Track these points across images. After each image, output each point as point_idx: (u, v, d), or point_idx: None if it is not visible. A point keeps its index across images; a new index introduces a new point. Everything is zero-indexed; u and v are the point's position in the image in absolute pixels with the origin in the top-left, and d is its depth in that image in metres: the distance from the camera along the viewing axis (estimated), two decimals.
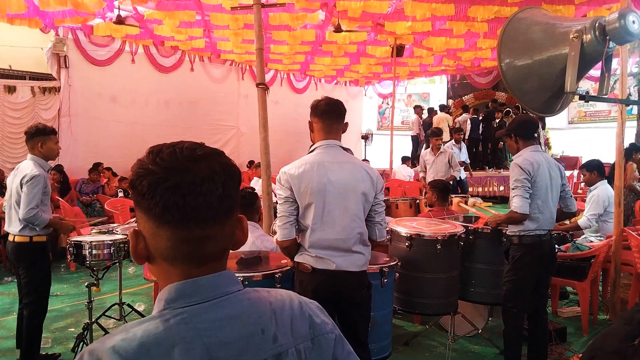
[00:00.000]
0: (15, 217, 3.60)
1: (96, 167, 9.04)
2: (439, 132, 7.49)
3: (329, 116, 2.61)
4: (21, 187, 3.51)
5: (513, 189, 3.29)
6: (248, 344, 0.86)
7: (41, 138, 3.64)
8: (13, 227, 3.61)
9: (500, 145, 13.42)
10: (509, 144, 3.56)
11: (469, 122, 13.54)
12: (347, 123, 2.70)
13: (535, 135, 3.48)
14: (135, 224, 0.92)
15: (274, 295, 0.95)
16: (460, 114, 14.20)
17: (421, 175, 7.49)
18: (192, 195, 0.83)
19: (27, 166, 3.59)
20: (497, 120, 13.21)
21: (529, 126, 3.52)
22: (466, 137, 13.72)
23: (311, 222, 2.51)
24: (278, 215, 2.60)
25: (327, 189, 2.49)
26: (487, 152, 13.84)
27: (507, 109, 13.53)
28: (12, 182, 3.65)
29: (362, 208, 2.56)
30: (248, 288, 0.94)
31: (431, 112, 14.43)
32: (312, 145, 2.67)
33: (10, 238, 3.64)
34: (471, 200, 4.45)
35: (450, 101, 16.19)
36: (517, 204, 3.24)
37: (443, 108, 14.52)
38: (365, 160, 12.19)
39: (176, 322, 0.83)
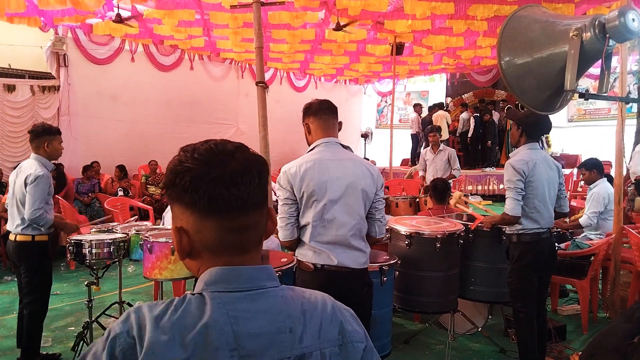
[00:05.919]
0: (17, 215, 3.58)
1: (91, 166, 8.99)
2: (435, 129, 7.45)
3: (325, 112, 2.62)
4: (25, 187, 3.50)
5: (506, 189, 3.31)
6: (274, 340, 0.87)
7: (48, 137, 3.65)
8: (15, 226, 3.60)
9: (488, 143, 13.49)
10: (512, 131, 3.55)
11: (472, 120, 13.54)
12: (341, 122, 2.72)
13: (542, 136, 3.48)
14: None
15: (307, 297, 0.97)
16: (461, 112, 14.20)
17: (421, 174, 7.49)
18: (235, 186, 0.88)
19: (31, 165, 3.58)
20: (487, 120, 13.32)
21: (540, 129, 3.50)
22: (469, 136, 13.77)
23: (311, 220, 2.50)
24: (279, 216, 2.60)
25: (327, 187, 2.49)
26: (486, 151, 13.86)
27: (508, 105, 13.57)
28: (14, 180, 3.63)
29: (363, 205, 2.56)
30: (284, 285, 0.96)
31: (432, 109, 14.42)
32: (310, 145, 2.67)
33: (12, 237, 3.62)
34: (456, 193, 4.40)
35: (449, 99, 16.16)
36: (509, 206, 3.26)
37: (442, 106, 14.51)
38: (366, 159, 12.17)
39: (212, 305, 0.86)
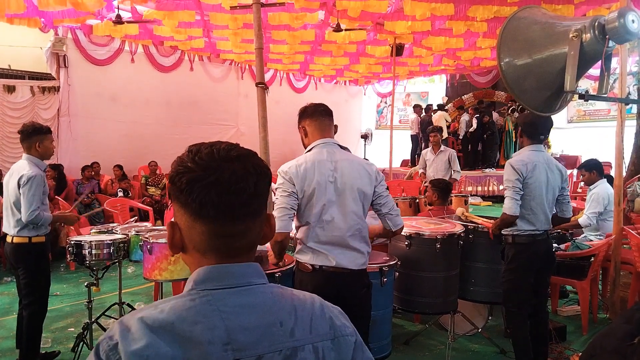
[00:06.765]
0: (12, 218, 3.56)
1: (91, 166, 8.97)
2: (437, 129, 7.46)
3: (321, 114, 2.64)
4: (19, 189, 3.48)
5: (505, 189, 3.31)
6: (266, 333, 0.89)
7: (39, 137, 3.60)
8: (11, 228, 3.58)
9: (486, 135, 13.52)
10: (518, 133, 3.57)
11: (474, 120, 13.55)
12: (336, 125, 2.75)
13: (542, 137, 3.44)
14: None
15: (297, 294, 0.99)
16: (460, 115, 14.20)
17: (420, 171, 7.46)
18: (226, 194, 0.89)
19: (23, 167, 3.54)
20: (486, 121, 13.35)
21: (538, 129, 3.44)
22: (469, 136, 13.78)
23: (310, 220, 2.51)
24: (277, 207, 2.55)
25: (325, 187, 2.50)
26: (486, 152, 13.87)
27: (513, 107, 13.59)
28: (8, 183, 3.60)
29: (361, 205, 2.57)
30: (273, 284, 0.98)
31: (428, 109, 14.42)
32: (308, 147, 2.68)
33: (9, 239, 3.60)
34: (459, 210, 4.42)
35: (446, 98, 16.13)
36: (506, 205, 3.27)
37: (441, 107, 14.53)
38: (365, 159, 12.14)
39: (201, 302, 0.88)
